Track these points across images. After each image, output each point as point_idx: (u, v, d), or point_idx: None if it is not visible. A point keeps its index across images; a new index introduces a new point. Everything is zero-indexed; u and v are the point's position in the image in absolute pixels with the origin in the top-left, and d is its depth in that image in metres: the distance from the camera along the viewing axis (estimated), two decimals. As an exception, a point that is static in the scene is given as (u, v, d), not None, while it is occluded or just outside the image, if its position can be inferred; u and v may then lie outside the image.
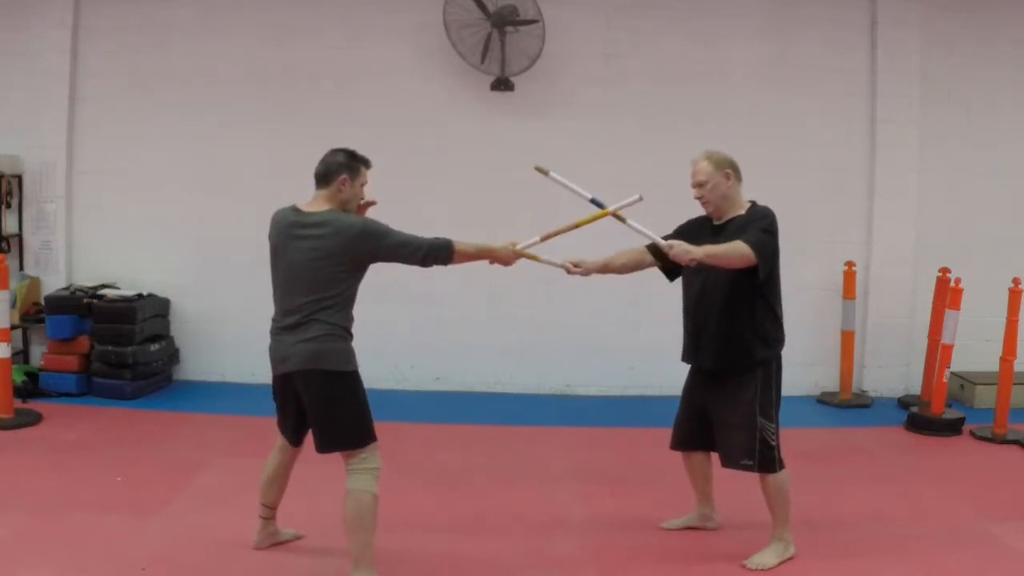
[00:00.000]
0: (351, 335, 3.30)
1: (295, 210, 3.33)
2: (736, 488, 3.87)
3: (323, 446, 3.29)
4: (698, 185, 3.57)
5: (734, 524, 3.91)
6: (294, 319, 3.23)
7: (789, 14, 6.35)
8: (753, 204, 3.60)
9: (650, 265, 3.76)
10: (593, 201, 3.60)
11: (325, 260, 3.20)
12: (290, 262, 3.26)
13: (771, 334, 3.50)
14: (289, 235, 3.27)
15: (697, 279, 3.55)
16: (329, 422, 3.26)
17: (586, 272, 3.76)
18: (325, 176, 3.33)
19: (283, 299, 3.30)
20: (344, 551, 3.47)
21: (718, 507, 3.92)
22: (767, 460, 3.47)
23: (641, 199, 3.53)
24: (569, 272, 3.74)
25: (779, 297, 3.56)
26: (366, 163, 3.43)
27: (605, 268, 3.79)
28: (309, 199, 3.35)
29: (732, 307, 3.47)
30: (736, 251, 3.35)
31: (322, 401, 3.24)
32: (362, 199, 3.46)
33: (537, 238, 3.64)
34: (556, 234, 3.64)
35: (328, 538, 3.69)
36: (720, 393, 3.56)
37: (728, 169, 3.55)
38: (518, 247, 3.60)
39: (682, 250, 3.32)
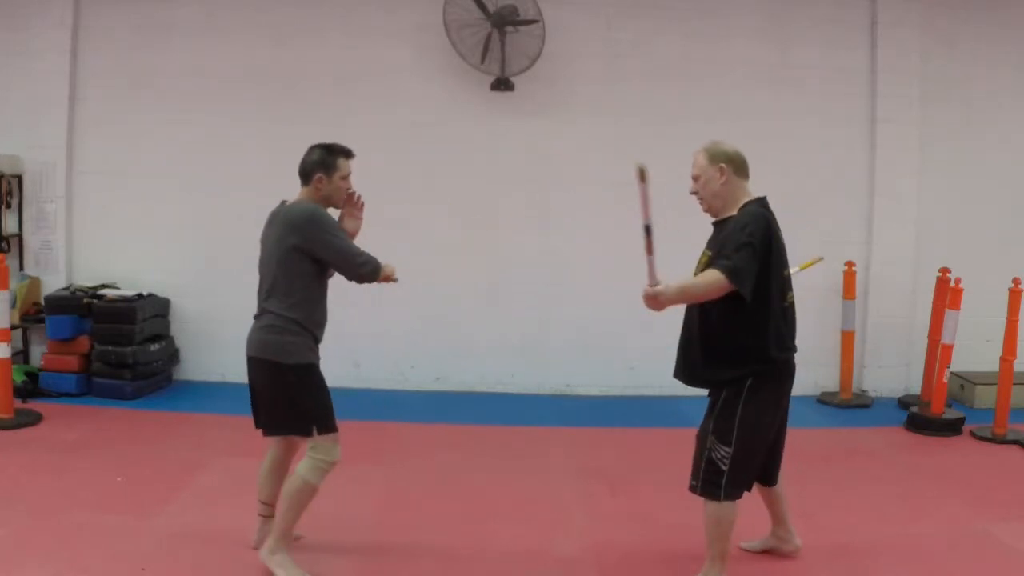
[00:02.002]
0: (307, 330, 3.32)
1: (280, 203, 3.45)
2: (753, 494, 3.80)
3: (268, 429, 3.43)
4: (693, 179, 3.29)
5: (742, 528, 3.87)
6: (258, 308, 3.38)
7: (789, 14, 6.36)
8: (747, 204, 3.22)
9: None
10: (646, 228, 3.06)
11: (279, 248, 3.31)
12: (261, 253, 3.41)
13: (742, 350, 3.13)
14: (266, 227, 3.42)
15: None
16: (272, 407, 3.37)
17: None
18: (303, 175, 3.43)
19: (259, 289, 3.42)
20: (347, 551, 3.49)
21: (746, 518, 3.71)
22: (710, 485, 3.17)
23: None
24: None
25: (767, 309, 3.12)
26: (346, 154, 3.44)
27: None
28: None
29: (691, 317, 3.24)
30: (711, 283, 3.04)
31: (266, 387, 3.36)
32: (348, 190, 3.49)
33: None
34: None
35: (328, 538, 3.70)
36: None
37: (723, 163, 3.21)
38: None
39: (651, 294, 3.04)
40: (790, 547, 3.66)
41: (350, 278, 3.41)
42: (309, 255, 3.30)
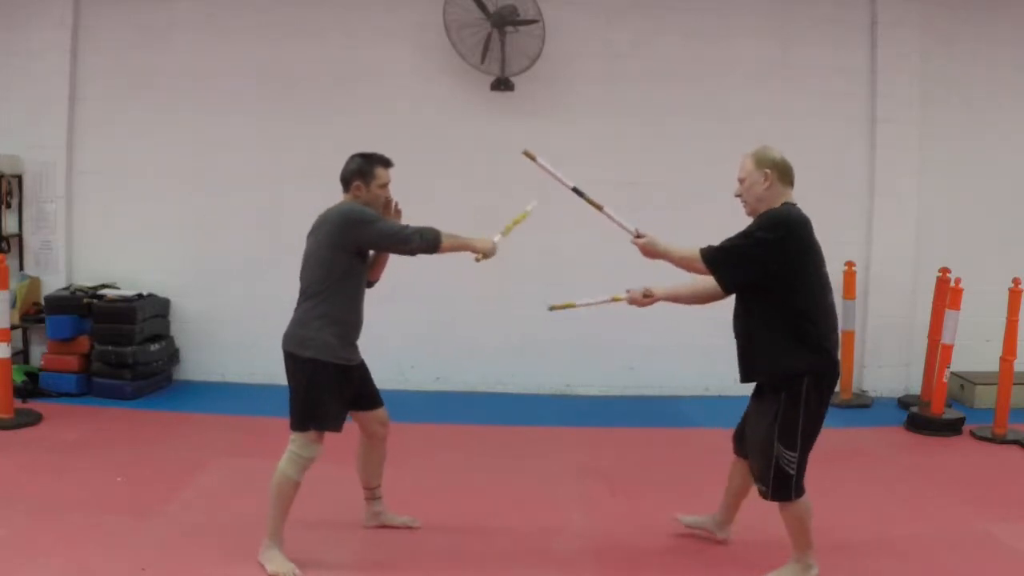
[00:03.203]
0: (333, 326, 3.40)
1: (326, 210, 3.52)
2: (752, 494, 3.80)
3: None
4: (739, 181, 3.36)
5: (741, 529, 3.86)
6: (296, 305, 3.49)
7: (789, 13, 6.36)
8: (781, 206, 3.29)
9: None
10: (575, 190, 3.62)
11: (316, 249, 3.43)
12: (303, 258, 3.50)
13: (797, 348, 3.20)
14: (309, 234, 3.51)
15: None
16: (289, 398, 3.45)
17: (649, 301, 3.64)
18: (343, 183, 3.54)
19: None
20: (347, 551, 3.48)
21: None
22: (781, 488, 3.25)
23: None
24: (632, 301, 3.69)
25: (812, 307, 3.23)
26: (383, 163, 3.54)
27: (675, 297, 3.63)
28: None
29: (749, 315, 3.31)
30: (684, 256, 3.32)
31: (287, 378, 3.46)
32: (387, 198, 3.58)
33: (499, 235, 3.75)
34: (513, 225, 3.82)
35: (328, 538, 3.70)
36: (754, 407, 3.42)
37: (768, 169, 3.27)
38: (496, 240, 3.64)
39: (647, 242, 3.38)
40: (722, 535, 3.78)
41: (406, 254, 3.45)
42: (352, 250, 3.40)
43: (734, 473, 3.68)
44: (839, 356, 3.37)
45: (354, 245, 3.40)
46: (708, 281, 3.38)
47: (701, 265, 3.29)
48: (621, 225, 3.47)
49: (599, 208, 3.54)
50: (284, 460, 3.40)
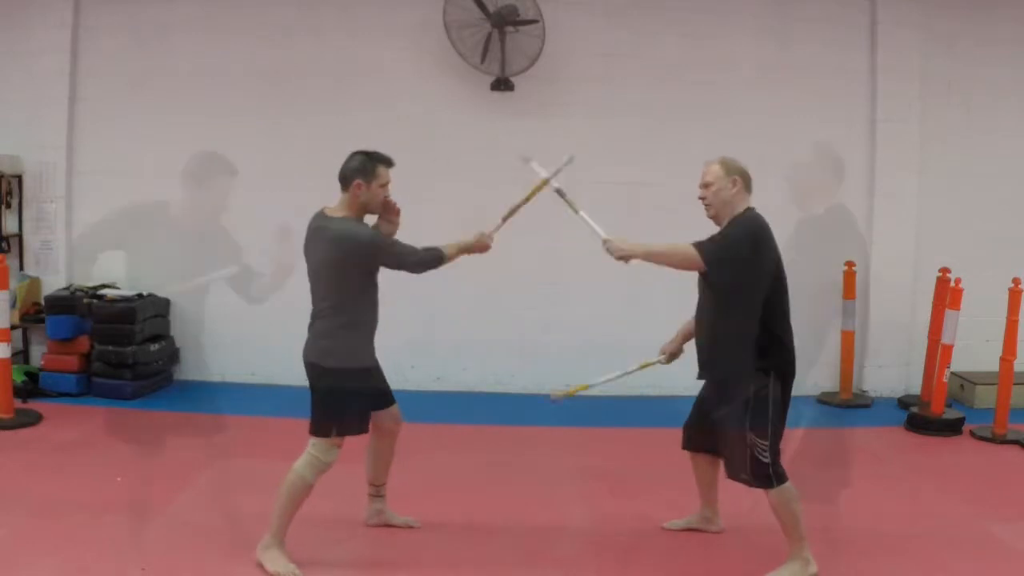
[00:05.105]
0: (351, 333, 3.45)
1: (320, 214, 3.50)
2: (744, 489, 3.82)
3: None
4: (704, 186, 3.53)
5: (738, 525, 3.90)
6: (312, 316, 3.51)
7: (789, 13, 6.35)
8: (745, 211, 3.50)
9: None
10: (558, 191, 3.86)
11: (329, 267, 3.41)
12: (310, 264, 3.49)
13: (767, 347, 3.37)
14: (310, 238, 3.49)
15: (700, 286, 3.59)
16: (311, 405, 3.47)
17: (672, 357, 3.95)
18: (342, 181, 3.50)
19: (311, 297, 3.51)
20: (347, 551, 3.48)
21: (724, 506, 3.88)
22: (761, 477, 3.38)
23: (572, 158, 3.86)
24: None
25: (776, 314, 3.42)
26: (385, 162, 3.51)
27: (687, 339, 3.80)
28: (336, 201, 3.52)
29: (717, 319, 3.46)
30: (679, 251, 3.43)
31: (310, 385, 3.48)
32: (386, 197, 3.54)
33: (500, 221, 3.76)
34: (513, 213, 3.78)
35: (328, 538, 3.70)
36: (718, 403, 3.51)
37: (737, 176, 3.49)
38: (487, 232, 3.69)
39: (614, 247, 3.51)
40: (714, 527, 3.88)
41: (413, 272, 3.54)
42: (371, 270, 3.47)
43: (696, 468, 3.84)
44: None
45: (372, 267, 3.45)
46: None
47: (697, 262, 3.40)
48: (596, 229, 3.70)
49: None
50: (302, 462, 3.40)
